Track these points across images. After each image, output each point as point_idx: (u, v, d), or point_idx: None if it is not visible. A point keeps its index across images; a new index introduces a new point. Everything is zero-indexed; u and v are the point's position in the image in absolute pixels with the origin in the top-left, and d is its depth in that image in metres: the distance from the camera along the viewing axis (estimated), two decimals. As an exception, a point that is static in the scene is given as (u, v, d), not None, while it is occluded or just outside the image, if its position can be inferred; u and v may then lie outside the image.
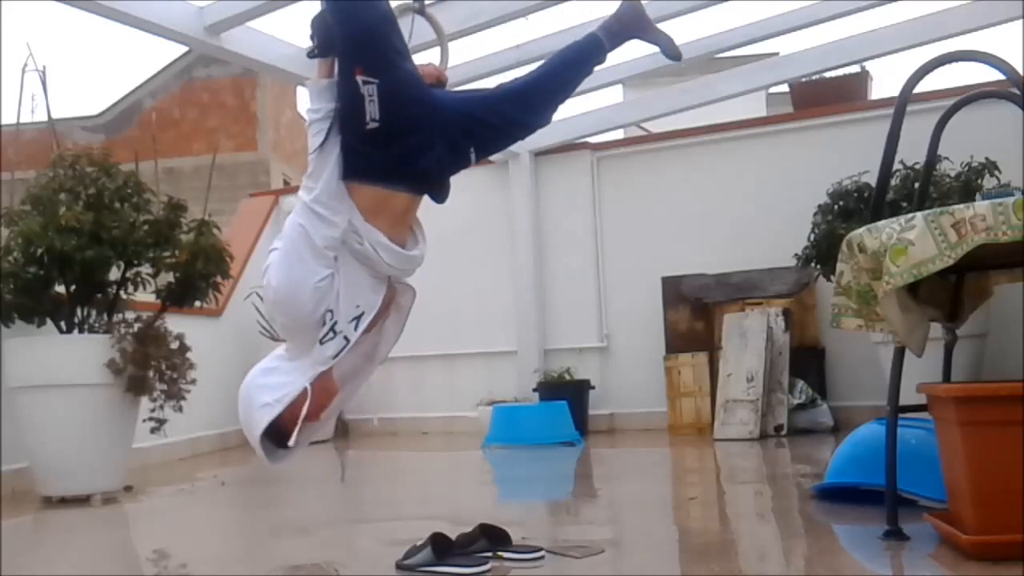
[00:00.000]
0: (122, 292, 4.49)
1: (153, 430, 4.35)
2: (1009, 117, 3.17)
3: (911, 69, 2.67)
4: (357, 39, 2.27)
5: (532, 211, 6.98)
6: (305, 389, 2.26)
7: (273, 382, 2.29)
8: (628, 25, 2.64)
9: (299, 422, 2.25)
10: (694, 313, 6.33)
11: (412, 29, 2.62)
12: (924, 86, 2.70)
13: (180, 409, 4.33)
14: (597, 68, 2.64)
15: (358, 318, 2.32)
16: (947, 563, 2.34)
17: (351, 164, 2.30)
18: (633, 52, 6.09)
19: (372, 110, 2.23)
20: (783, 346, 5.73)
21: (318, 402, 2.29)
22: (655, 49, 2.69)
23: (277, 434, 2.28)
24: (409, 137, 2.33)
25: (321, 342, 2.27)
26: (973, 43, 5.43)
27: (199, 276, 4.49)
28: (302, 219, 2.26)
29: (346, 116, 2.29)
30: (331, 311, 2.27)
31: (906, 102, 2.67)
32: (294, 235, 2.26)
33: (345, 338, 2.29)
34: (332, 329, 2.28)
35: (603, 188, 6.92)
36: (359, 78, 2.23)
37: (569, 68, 2.62)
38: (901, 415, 2.61)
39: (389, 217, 2.35)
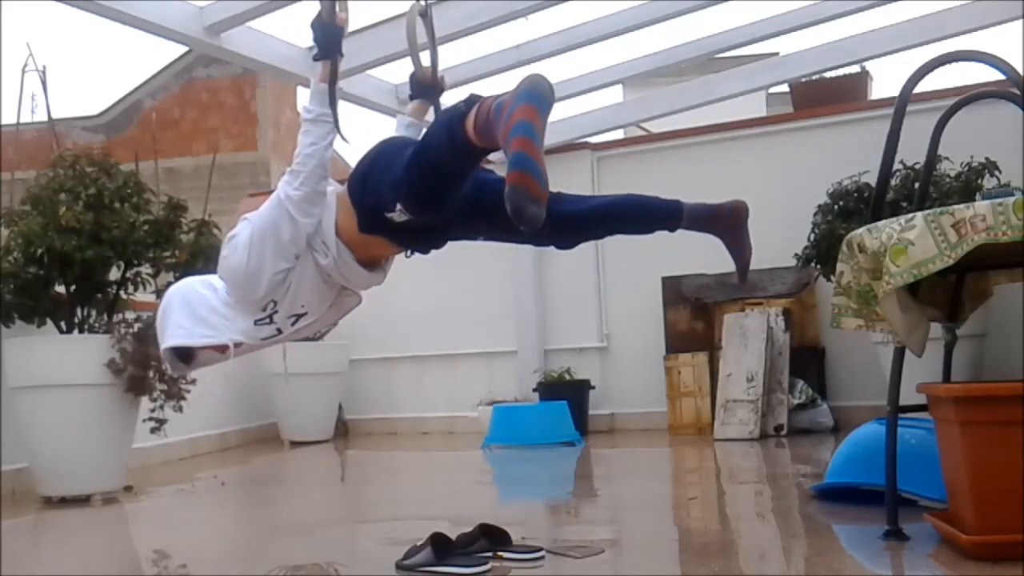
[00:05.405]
0: (122, 292, 4.49)
1: (153, 430, 4.35)
2: (1009, 117, 3.17)
3: (911, 69, 2.67)
4: (413, 186, 2.16)
5: (532, 211, 6.95)
6: (227, 345, 2.33)
7: (202, 312, 2.34)
8: (719, 217, 2.56)
9: (203, 356, 2.38)
10: (694, 313, 6.33)
11: (415, 31, 2.62)
12: (924, 86, 2.70)
13: (180, 409, 4.33)
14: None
15: (298, 316, 2.39)
16: (947, 563, 2.34)
17: (357, 211, 2.30)
18: (633, 52, 6.15)
19: (396, 216, 2.22)
20: (783, 346, 5.72)
21: (233, 350, 2.38)
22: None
23: (184, 353, 2.38)
24: (422, 233, 2.35)
25: (256, 323, 2.35)
26: (973, 43, 5.43)
27: (199, 276, 4.49)
28: (275, 211, 2.28)
29: (367, 200, 2.28)
30: (275, 302, 2.33)
31: (906, 102, 2.67)
32: (265, 223, 2.28)
33: (278, 329, 2.38)
34: (270, 317, 2.35)
35: (603, 188, 6.88)
36: (399, 206, 2.19)
37: (628, 215, 2.56)
38: (901, 415, 2.61)
39: (366, 251, 2.39)
